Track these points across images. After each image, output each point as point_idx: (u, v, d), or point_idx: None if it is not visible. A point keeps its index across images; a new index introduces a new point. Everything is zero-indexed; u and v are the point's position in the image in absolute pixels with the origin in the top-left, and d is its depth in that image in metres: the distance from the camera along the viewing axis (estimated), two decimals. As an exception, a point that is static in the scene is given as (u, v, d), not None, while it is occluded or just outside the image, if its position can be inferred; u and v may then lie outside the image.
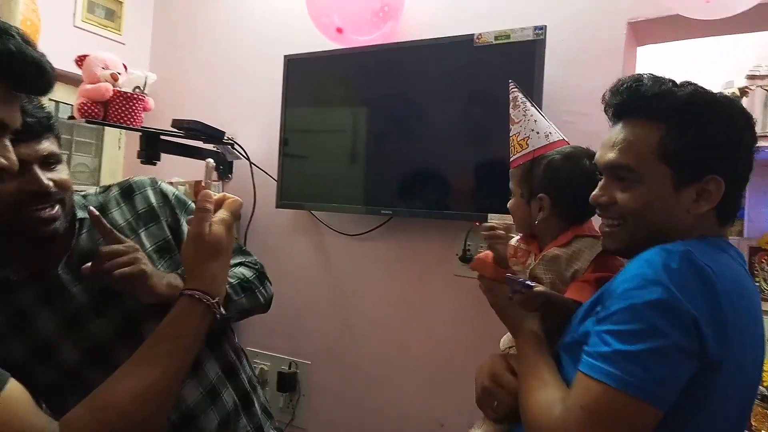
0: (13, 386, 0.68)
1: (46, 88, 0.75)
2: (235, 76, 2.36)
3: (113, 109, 1.88)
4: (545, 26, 1.59)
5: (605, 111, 0.96)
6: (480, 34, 1.69)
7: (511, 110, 1.12)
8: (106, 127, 2.33)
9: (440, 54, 1.78)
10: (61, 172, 0.91)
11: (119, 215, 1.01)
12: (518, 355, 0.95)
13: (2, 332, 0.92)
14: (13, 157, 0.72)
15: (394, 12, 1.87)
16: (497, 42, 1.68)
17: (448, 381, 1.83)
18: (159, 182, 1.08)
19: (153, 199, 1.04)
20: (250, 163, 2.19)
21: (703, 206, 0.83)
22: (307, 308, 2.16)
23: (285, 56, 2.03)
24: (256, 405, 1.14)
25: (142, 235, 1.01)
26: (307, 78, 2.04)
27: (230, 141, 2.15)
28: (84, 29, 2.36)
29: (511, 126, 1.12)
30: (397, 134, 1.87)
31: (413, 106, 1.85)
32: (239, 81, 2.35)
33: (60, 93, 2.25)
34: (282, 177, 2.06)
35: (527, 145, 1.09)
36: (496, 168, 1.70)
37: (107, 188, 1.06)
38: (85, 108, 1.82)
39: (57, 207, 0.89)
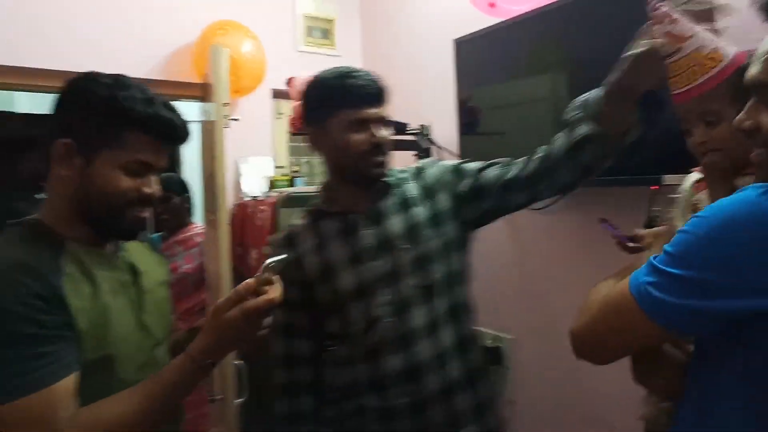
0: (70, 382, 0.86)
1: (182, 140, 1.03)
2: (425, 67, 2.50)
3: (317, 118, 2.21)
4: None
5: (759, 11, 0.78)
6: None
7: (669, 27, 0.92)
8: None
9: (606, 7, 1.62)
10: (384, 132, 1.23)
11: (413, 188, 1.29)
12: None
13: (308, 250, 1.27)
14: (157, 188, 1.01)
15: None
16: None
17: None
18: (441, 160, 1.37)
19: (431, 177, 1.31)
20: (438, 147, 2.30)
21: None
22: (507, 283, 2.18)
23: (454, 40, 2.09)
24: (481, 390, 1.29)
25: (425, 206, 1.27)
26: (481, 56, 2.06)
27: (416, 130, 2.30)
28: (305, 51, 2.80)
29: (678, 45, 0.91)
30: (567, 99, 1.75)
31: (584, 66, 1.71)
32: (431, 72, 2.47)
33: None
34: (464, 155, 2.12)
35: (722, 56, 0.89)
36: (668, 125, 1.47)
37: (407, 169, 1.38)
38: (294, 121, 2.20)
39: (387, 158, 1.24)
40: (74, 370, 0.87)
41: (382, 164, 1.24)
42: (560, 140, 1.20)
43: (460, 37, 2.08)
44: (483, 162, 1.34)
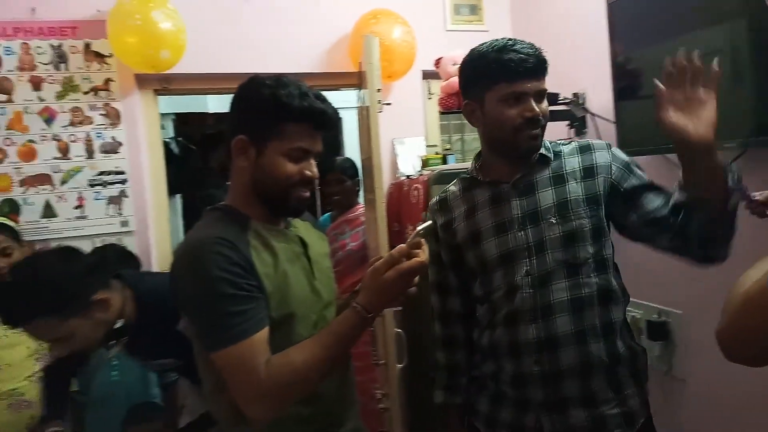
0: (264, 334, 1.03)
1: (333, 126, 1.17)
2: (577, 33, 2.40)
3: (465, 96, 2.25)
4: None
5: None
6: None
7: None
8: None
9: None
10: (541, 106, 1.23)
11: (569, 163, 1.28)
12: None
13: (459, 215, 1.34)
14: (316, 170, 1.15)
15: None
16: None
17: None
18: (612, 146, 1.32)
19: (599, 159, 1.28)
20: (593, 114, 2.21)
21: None
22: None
23: (607, 1, 1.98)
24: (625, 375, 1.27)
25: (582, 184, 1.25)
26: (638, 15, 1.92)
27: (569, 99, 2.23)
28: (454, 30, 2.83)
29: None
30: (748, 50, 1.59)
31: None
32: (583, 37, 2.37)
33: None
34: (621, 122, 2.01)
35: None
36: None
37: (570, 141, 1.40)
38: (443, 100, 2.26)
39: (541, 132, 1.24)
40: (267, 324, 1.05)
41: (536, 138, 1.23)
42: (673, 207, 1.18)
43: (613, -2, 1.96)
44: (652, 181, 1.28)
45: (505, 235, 1.26)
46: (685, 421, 2.03)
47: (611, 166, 1.27)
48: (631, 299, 2.15)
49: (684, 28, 1.80)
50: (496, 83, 1.20)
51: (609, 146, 1.31)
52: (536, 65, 1.21)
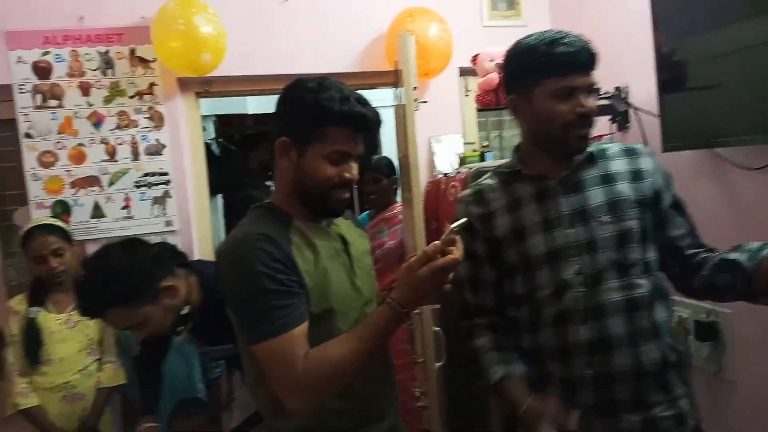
0: (304, 328, 1.06)
1: (374, 129, 1.18)
2: (618, 24, 2.34)
3: (502, 93, 2.22)
4: None
5: None
6: None
7: None
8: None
9: None
10: (591, 102, 1.20)
11: (616, 165, 1.26)
12: None
13: (499, 209, 1.29)
14: (356, 172, 1.17)
15: None
16: None
17: None
18: (654, 154, 1.32)
19: (645, 164, 1.27)
20: (635, 108, 2.15)
21: None
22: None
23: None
24: (673, 376, 1.24)
25: (632, 186, 1.24)
26: (683, 3, 1.86)
27: (610, 93, 2.18)
28: (491, 26, 2.80)
29: None
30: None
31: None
32: (625, 28, 2.31)
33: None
34: (665, 116, 1.95)
35: None
36: None
37: (611, 143, 1.38)
38: (480, 97, 2.24)
39: (591, 129, 1.22)
40: (306, 319, 1.08)
41: (586, 138, 1.21)
42: (728, 252, 1.23)
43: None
44: (682, 200, 1.32)
45: (552, 232, 1.22)
46: (735, 423, 1.96)
47: (656, 174, 1.27)
48: (679, 298, 2.12)
49: (731, 16, 1.73)
50: (547, 78, 1.17)
51: (653, 153, 1.31)
52: (587, 59, 1.18)
